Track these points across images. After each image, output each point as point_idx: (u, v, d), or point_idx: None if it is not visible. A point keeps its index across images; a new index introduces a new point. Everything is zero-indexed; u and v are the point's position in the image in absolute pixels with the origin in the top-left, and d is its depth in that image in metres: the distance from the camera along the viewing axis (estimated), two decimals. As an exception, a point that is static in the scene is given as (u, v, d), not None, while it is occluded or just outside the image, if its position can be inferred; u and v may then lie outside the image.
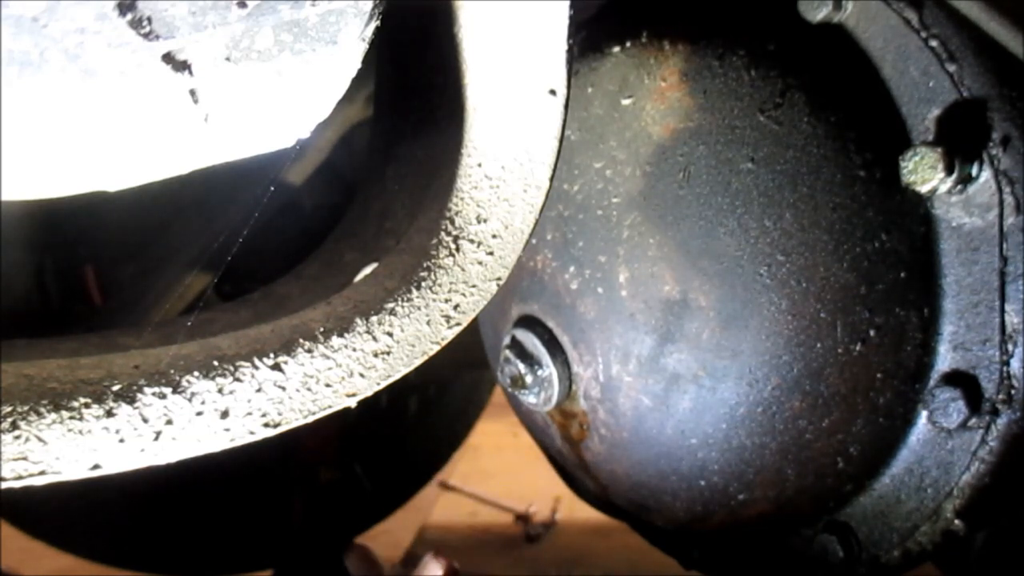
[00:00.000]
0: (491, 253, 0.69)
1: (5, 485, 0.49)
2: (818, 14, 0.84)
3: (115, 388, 0.53)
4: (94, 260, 1.55)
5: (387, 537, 2.22)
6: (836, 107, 0.82)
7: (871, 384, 0.80)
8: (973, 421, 0.78)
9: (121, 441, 0.52)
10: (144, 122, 0.48)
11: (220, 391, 0.56)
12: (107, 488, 0.65)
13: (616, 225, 0.88)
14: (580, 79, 0.94)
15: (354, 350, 0.62)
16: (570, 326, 0.93)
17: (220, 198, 1.42)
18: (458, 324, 0.67)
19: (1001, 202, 0.76)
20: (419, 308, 0.65)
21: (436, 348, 0.66)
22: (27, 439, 0.49)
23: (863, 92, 0.83)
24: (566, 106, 0.69)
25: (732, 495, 0.87)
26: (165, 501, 1.73)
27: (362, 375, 0.62)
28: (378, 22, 0.53)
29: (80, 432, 0.51)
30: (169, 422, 0.54)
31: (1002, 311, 0.77)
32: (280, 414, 0.58)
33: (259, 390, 0.57)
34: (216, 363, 0.56)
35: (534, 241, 0.95)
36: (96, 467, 0.52)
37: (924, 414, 0.81)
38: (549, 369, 0.94)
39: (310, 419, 0.59)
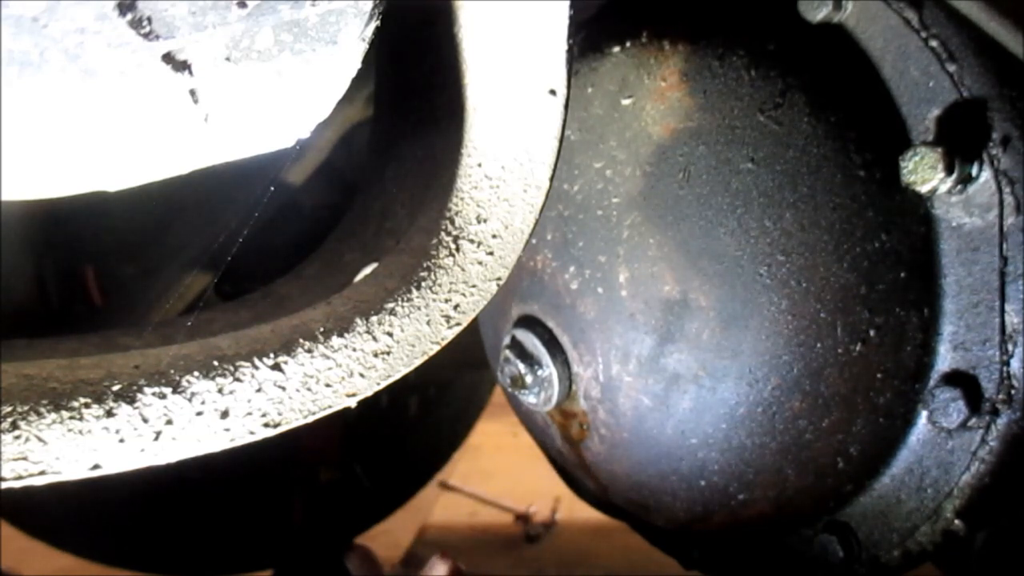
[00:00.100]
0: (491, 253, 0.69)
1: (5, 485, 0.49)
2: (818, 14, 0.84)
3: (115, 388, 0.53)
4: (94, 260, 1.55)
5: (387, 537, 2.22)
6: (836, 107, 0.82)
7: (871, 384, 0.80)
8: (973, 421, 0.78)
9: (121, 441, 0.52)
10: (144, 122, 0.48)
11: (220, 391, 0.56)
12: (107, 488, 0.65)
13: (616, 225, 0.88)
14: (580, 79, 0.94)
15: (354, 350, 0.62)
16: (570, 326, 0.93)
17: (220, 198, 1.42)
18: (458, 324, 0.67)
19: (1001, 202, 0.76)
20: (419, 308, 0.65)
21: (436, 348, 0.66)
22: (27, 439, 0.49)
23: (863, 92, 0.83)
24: (566, 106, 0.69)
25: (732, 495, 0.87)
26: (165, 501, 1.73)
27: (362, 375, 0.62)
28: (378, 22, 0.53)
29: (80, 432, 0.51)
30: (169, 422, 0.54)
31: (1002, 311, 0.77)
32: (280, 414, 0.58)
33: (259, 390, 0.57)
34: (216, 363, 0.56)
35: (534, 241, 0.95)
36: (96, 467, 0.51)
37: (924, 414, 0.81)
38: (549, 369, 0.94)
39: (310, 419, 0.59)
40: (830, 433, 0.81)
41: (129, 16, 0.45)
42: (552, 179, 0.71)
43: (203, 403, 0.55)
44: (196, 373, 0.55)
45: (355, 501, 2.09)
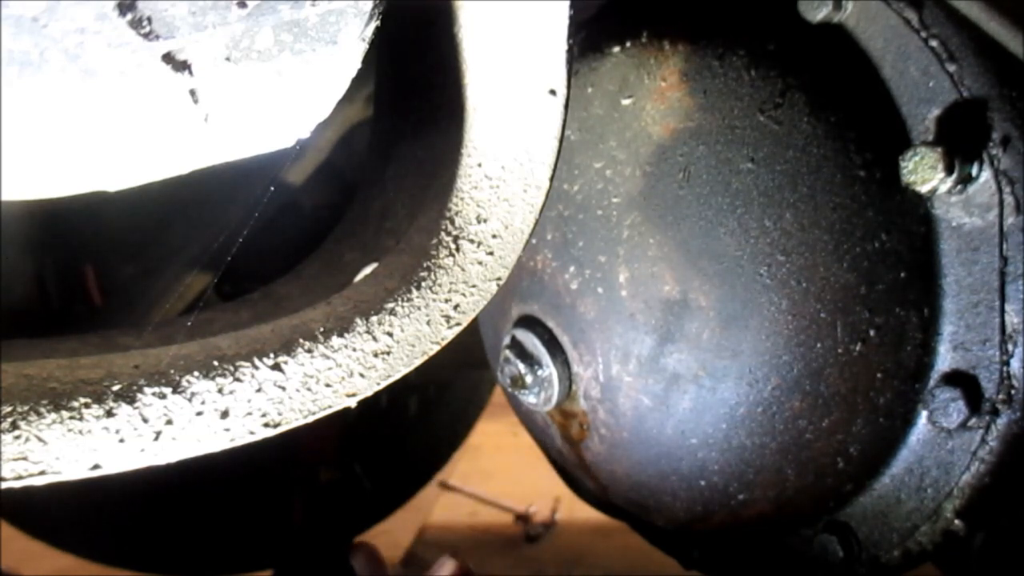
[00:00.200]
0: (491, 253, 0.69)
1: (5, 485, 0.49)
2: (818, 14, 0.84)
3: (115, 388, 0.53)
4: (94, 260, 1.55)
5: (387, 537, 2.22)
6: (836, 107, 0.82)
7: (871, 384, 0.80)
8: (973, 421, 0.78)
9: (121, 441, 0.52)
10: (144, 122, 0.48)
11: (220, 391, 0.56)
12: (107, 488, 0.65)
13: (616, 225, 0.88)
14: (580, 79, 0.94)
15: (354, 350, 0.62)
16: (570, 326, 0.93)
17: (220, 198, 1.42)
18: (458, 324, 0.67)
19: (1001, 202, 0.76)
20: (419, 308, 0.65)
21: (436, 348, 0.66)
22: (27, 439, 0.49)
23: (863, 92, 0.83)
24: (566, 106, 0.69)
25: (732, 495, 0.87)
26: (165, 501, 1.73)
27: (362, 375, 0.62)
28: (378, 22, 0.53)
29: (80, 432, 0.51)
30: (169, 422, 0.54)
31: (1002, 311, 0.77)
32: (280, 414, 0.58)
33: (259, 390, 0.57)
34: (216, 363, 0.56)
35: (534, 241, 0.95)
36: (96, 467, 0.51)
37: (924, 414, 0.81)
38: (549, 369, 0.94)
39: (310, 419, 0.59)
40: (830, 433, 0.81)
41: (129, 16, 0.45)
42: (552, 179, 0.71)
43: (203, 403, 0.55)
44: (196, 373, 0.55)
45: (355, 501, 2.09)
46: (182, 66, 0.47)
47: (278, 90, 0.52)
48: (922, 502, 0.82)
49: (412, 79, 0.78)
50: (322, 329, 0.61)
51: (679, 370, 0.84)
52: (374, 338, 0.63)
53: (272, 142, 0.54)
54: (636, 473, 0.93)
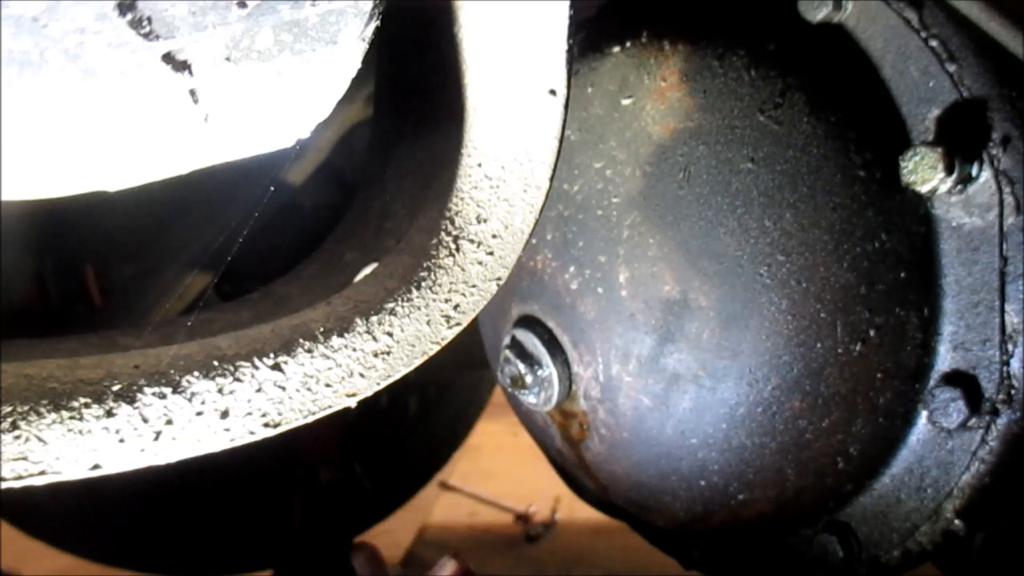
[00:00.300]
0: (491, 253, 0.69)
1: (5, 485, 0.49)
2: (818, 14, 0.84)
3: (115, 388, 0.53)
4: (94, 260, 1.55)
5: (387, 537, 2.22)
6: (836, 107, 0.82)
7: (871, 384, 0.80)
8: (973, 421, 0.78)
9: (121, 441, 0.52)
10: (144, 122, 0.48)
11: (220, 391, 0.56)
12: (107, 488, 0.65)
13: (616, 225, 0.88)
14: (580, 79, 0.94)
15: (354, 350, 0.62)
16: (570, 326, 0.93)
17: (220, 198, 1.42)
18: (458, 324, 0.67)
19: (1001, 202, 0.76)
20: (419, 308, 0.65)
21: (436, 348, 0.66)
22: (27, 439, 0.49)
23: (863, 92, 0.83)
24: (566, 106, 0.69)
25: (732, 495, 0.87)
26: (165, 501, 1.73)
27: (362, 375, 0.62)
28: (378, 22, 0.53)
29: (80, 432, 0.51)
30: (169, 422, 0.54)
31: (1002, 311, 0.77)
32: (280, 414, 0.58)
33: (259, 390, 0.57)
34: (216, 363, 0.56)
35: (534, 241, 0.95)
36: (96, 467, 0.51)
37: (924, 414, 0.81)
38: (549, 369, 0.94)
39: (310, 419, 0.59)
40: (830, 433, 0.81)
41: (129, 16, 0.45)
42: (552, 179, 0.71)
43: (203, 403, 0.55)
44: (196, 373, 0.55)
45: (355, 501, 2.09)
46: (182, 66, 0.47)
47: (278, 90, 0.52)
48: (922, 502, 0.82)
49: (412, 79, 0.78)
50: (322, 329, 0.61)
51: (679, 370, 0.84)
52: (374, 338, 0.63)
53: (272, 142, 0.54)
54: (636, 473, 0.93)
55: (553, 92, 0.68)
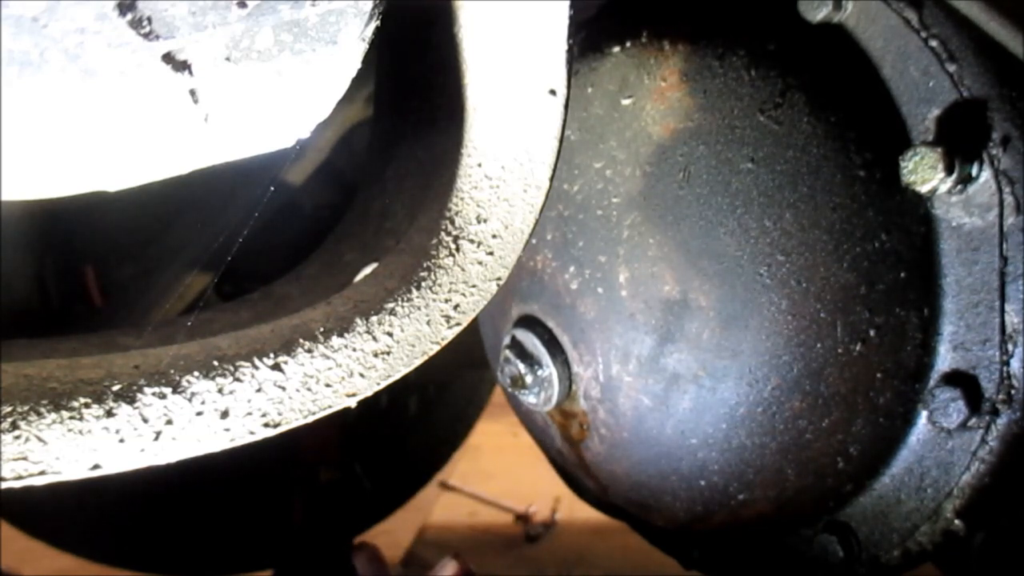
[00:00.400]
0: (491, 253, 0.69)
1: (5, 485, 0.49)
2: (818, 14, 0.84)
3: (115, 388, 0.53)
4: (94, 260, 1.55)
5: (387, 537, 2.21)
6: (836, 107, 0.82)
7: (871, 384, 0.80)
8: (973, 421, 0.78)
9: (121, 441, 0.52)
10: (144, 122, 0.48)
11: (220, 391, 0.56)
12: (107, 488, 0.65)
13: (616, 225, 0.88)
14: (580, 79, 0.94)
15: (354, 350, 0.62)
16: (570, 326, 0.93)
17: (220, 198, 1.42)
18: (458, 324, 0.67)
19: (1001, 202, 0.76)
20: (419, 308, 0.65)
21: (436, 348, 0.66)
22: (27, 439, 0.49)
23: (863, 92, 0.83)
24: (566, 106, 0.69)
25: (732, 495, 0.87)
26: (165, 501, 1.73)
27: (362, 375, 0.62)
28: (378, 22, 0.53)
29: (80, 432, 0.51)
30: (169, 422, 0.54)
31: (1002, 311, 0.77)
32: (280, 414, 0.58)
33: (259, 390, 0.57)
34: (216, 363, 0.56)
35: (534, 241, 0.95)
36: (96, 467, 0.51)
37: (924, 414, 0.81)
38: (549, 369, 0.94)
39: (310, 419, 0.59)
40: (830, 433, 0.81)
41: (129, 16, 0.45)
42: (552, 179, 0.71)
43: (203, 403, 0.55)
44: (196, 373, 0.55)
45: (355, 501, 2.09)
46: (182, 66, 0.47)
47: (278, 90, 0.52)
48: (922, 502, 0.82)
49: (412, 79, 0.78)
50: (322, 329, 0.61)
51: (679, 370, 0.84)
52: (374, 338, 0.63)
53: (272, 142, 0.54)
54: (636, 473, 0.93)
55: (553, 92, 0.68)
